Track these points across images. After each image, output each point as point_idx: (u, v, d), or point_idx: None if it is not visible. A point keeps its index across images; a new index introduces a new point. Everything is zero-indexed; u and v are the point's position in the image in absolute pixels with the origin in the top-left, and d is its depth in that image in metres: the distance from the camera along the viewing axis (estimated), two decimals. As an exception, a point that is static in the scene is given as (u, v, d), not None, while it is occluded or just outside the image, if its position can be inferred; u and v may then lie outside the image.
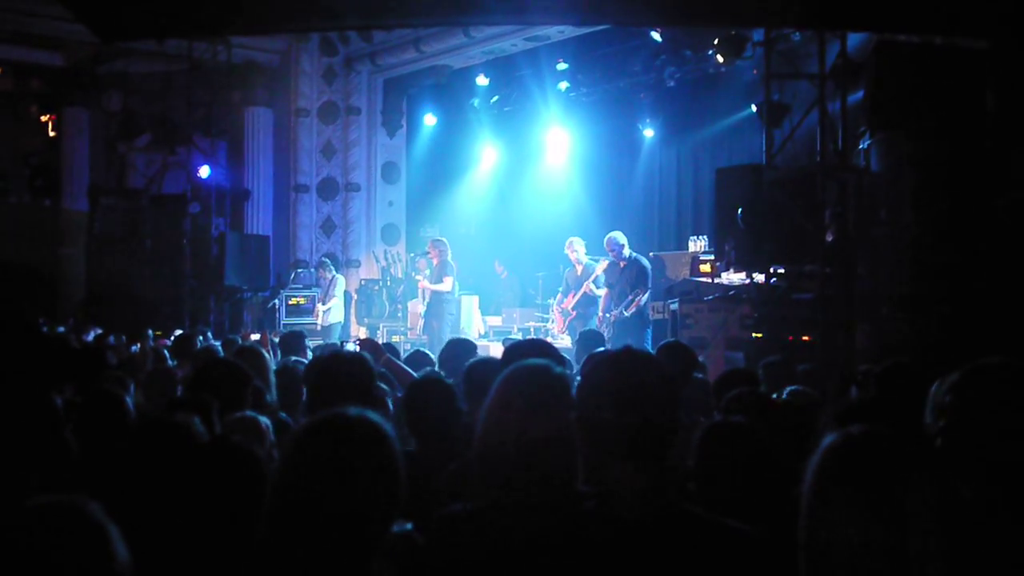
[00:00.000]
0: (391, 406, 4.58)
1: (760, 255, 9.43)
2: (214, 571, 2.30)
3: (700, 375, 5.45)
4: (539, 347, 4.05)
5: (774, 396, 4.60)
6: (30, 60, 15.86)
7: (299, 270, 15.83)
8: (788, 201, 9.17)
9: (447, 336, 12.91)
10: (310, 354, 7.14)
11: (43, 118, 16.95)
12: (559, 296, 12.71)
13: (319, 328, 14.16)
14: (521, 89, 16.17)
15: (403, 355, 6.78)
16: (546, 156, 17.33)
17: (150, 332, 10.35)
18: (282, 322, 14.24)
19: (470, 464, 2.66)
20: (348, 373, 3.71)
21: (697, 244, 13.65)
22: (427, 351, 6.94)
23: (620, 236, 11.61)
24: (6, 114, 16.92)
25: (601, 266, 11.89)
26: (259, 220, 16.11)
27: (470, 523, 2.43)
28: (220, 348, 7.76)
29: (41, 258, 15.58)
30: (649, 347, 9.80)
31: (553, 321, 13.01)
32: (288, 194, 16.37)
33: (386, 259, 16.31)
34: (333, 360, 3.89)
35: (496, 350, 10.65)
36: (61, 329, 10.84)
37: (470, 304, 14.63)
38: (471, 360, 4.69)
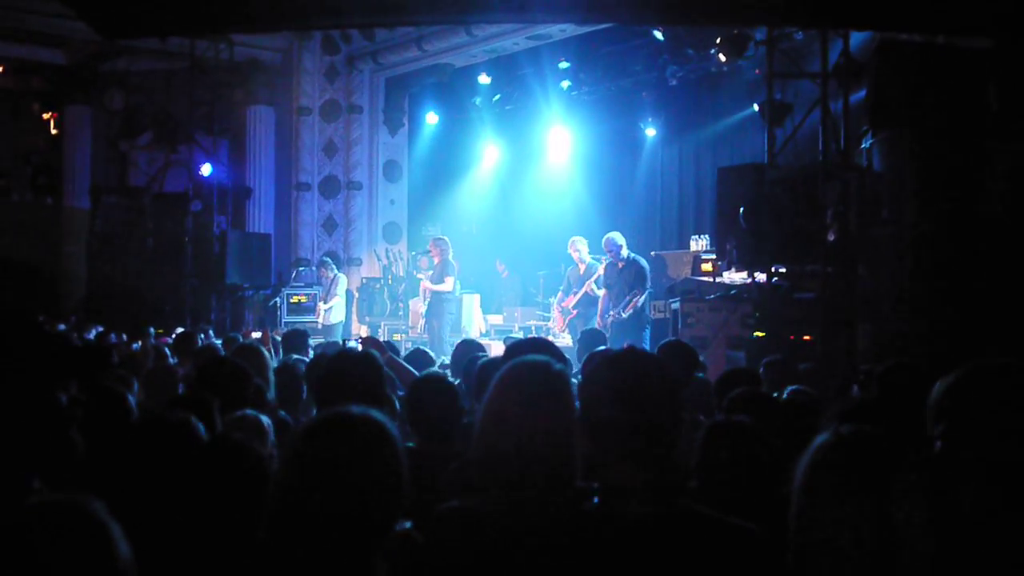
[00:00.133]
0: (397, 405, 4.58)
1: (762, 254, 9.43)
2: (216, 570, 2.30)
3: (701, 375, 5.45)
4: (540, 345, 4.05)
5: (774, 395, 4.59)
6: (32, 58, 15.86)
7: (300, 268, 15.83)
8: (790, 200, 9.16)
9: (447, 335, 12.94)
10: (312, 353, 7.13)
11: (45, 116, 16.95)
12: (560, 295, 12.70)
13: (320, 327, 14.16)
14: (523, 88, 16.17)
15: (403, 354, 6.78)
16: (548, 155, 17.33)
17: (151, 330, 10.36)
18: (283, 320, 14.23)
19: (471, 463, 2.66)
20: (357, 373, 3.70)
21: (698, 243, 13.66)
22: (427, 350, 6.93)
23: (618, 236, 11.59)
24: (8, 112, 16.93)
25: (601, 269, 11.88)
26: (261, 218, 16.11)
27: (467, 520, 2.43)
28: (221, 346, 7.75)
29: (43, 256, 15.59)
30: (647, 347, 9.80)
31: (554, 320, 13.01)
32: (290, 192, 16.37)
33: (388, 257, 16.31)
34: (341, 359, 3.88)
35: (497, 349, 10.65)
36: (62, 327, 10.84)
37: (471, 303, 14.64)
38: (481, 360, 4.69)
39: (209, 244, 14.12)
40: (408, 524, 2.45)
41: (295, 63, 16.28)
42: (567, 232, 13.14)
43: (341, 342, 8.88)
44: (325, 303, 14.59)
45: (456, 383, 4.80)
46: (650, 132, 16.27)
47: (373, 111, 16.76)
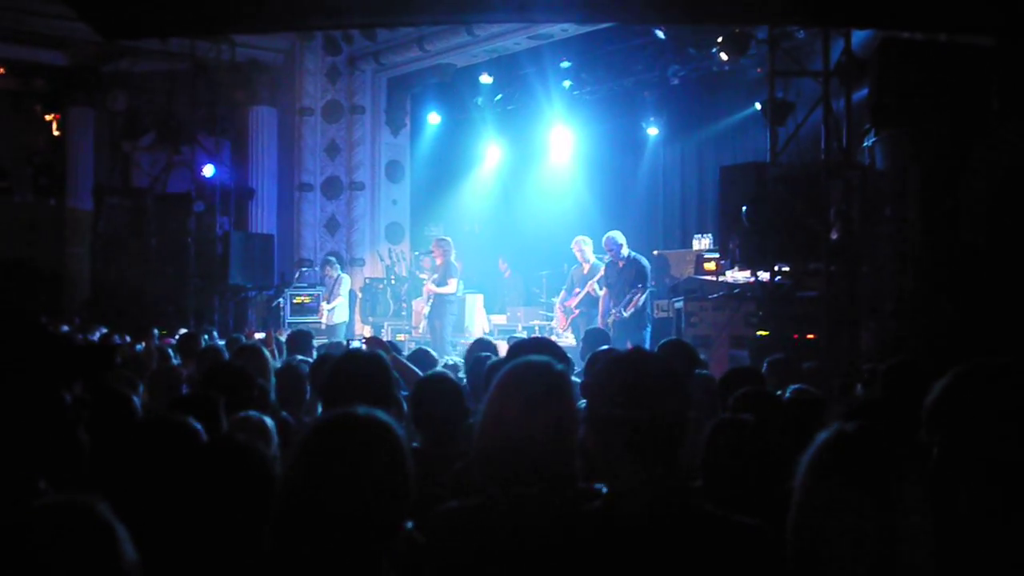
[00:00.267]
0: (404, 406, 4.58)
1: (764, 253, 9.43)
2: (221, 571, 2.30)
3: (706, 372, 5.44)
4: (543, 345, 4.06)
5: (779, 394, 4.59)
6: (34, 59, 15.87)
7: (303, 269, 15.84)
8: (792, 199, 9.16)
9: (449, 335, 12.96)
10: (315, 354, 7.14)
11: (47, 117, 16.95)
12: (563, 294, 12.70)
13: (323, 327, 14.17)
14: (525, 87, 16.17)
15: (406, 354, 6.78)
16: (550, 154, 17.32)
17: (155, 331, 10.37)
18: (287, 321, 14.25)
19: (473, 462, 2.67)
20: (364, 373, 3.70)
21: (701, 242, 13.64)
22: (430, 350, 6.94)
23: (619, 235, 11.58)
24: (10, 113, 16.94)
25: (603, 271, 11.88)
26: (263, 219, 16.12)
27: (467, 520, 2.43)
28: (224, 347, 7.76)
29: (46, 257, 15.60)
30: (648, 346, 9.80)
31: (557, 319, 13.01)
32: (292, 193, 16.38)
33: (390, 258, 16.32)
34: (349, 359, 3.88)
35: (501, 349, 10.67)
36: (65, 328, 10.85)
37: (474, 303, 14.64)
38: (489, 361, 4.69)
39: (212, 245, 14.14)
40: (410, 524, 2.46)
41: (297, 64, 16.28)
42: (569, 232, 13.14)
43: (345, 342, 8.91)
44: (328, 303, 14.60)
45: (462, 383, 4.80)
46: (652, 131, 16.25)
47: (375, 111, 16.77)
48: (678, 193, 16.71)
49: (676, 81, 14.40)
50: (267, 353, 5.91)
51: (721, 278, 11.12)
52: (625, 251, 11.50)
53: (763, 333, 9.36)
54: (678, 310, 10.79)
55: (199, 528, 2.31)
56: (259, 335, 10.48)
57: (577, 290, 12.26)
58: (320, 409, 4.31)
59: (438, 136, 17.65)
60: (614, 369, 2.34)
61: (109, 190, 15.31)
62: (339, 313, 14.66)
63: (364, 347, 5.86)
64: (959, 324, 7.43)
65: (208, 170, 14.26)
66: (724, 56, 12.34)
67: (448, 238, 13.60)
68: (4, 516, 1.61)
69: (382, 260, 16.38)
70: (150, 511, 2.21)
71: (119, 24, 8.58)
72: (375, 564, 2.06)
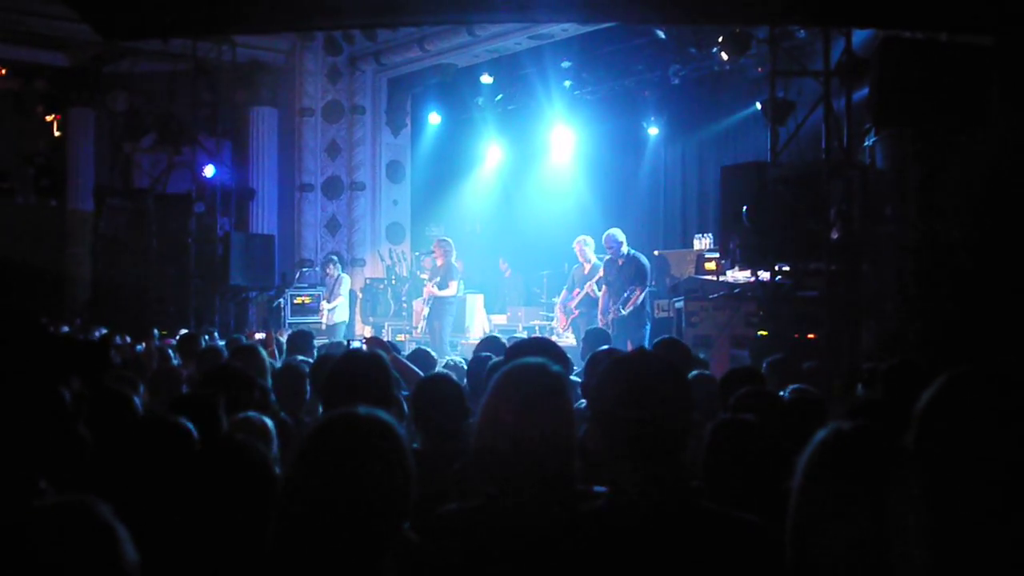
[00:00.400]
0: (404, 406, 4.58)
1: (765, 253, 9.42)
2: (222, 571, 2.29)
3: (706, 372, 5.44)
4: (542, 345, 4.05)
5: (780, 394, 4.59)
6: (35, 60, 15.88)
7: (304, 269, 15.85)
8: (793, 199, 9.16)
9: (448, 335, 12.98)
10: (316, 354, 7.13)
11: (48, 118, 16.97)
12: (564, 293, 12.70)
13: (324, 327, 14.18)
14: (525, 87, 16.17)
15: (405, 354, 6.78)
16: (551, 154, 17.33)
17: (156, 332, 10.37)
18: (287, 321, 14.26)
19: (471, 464, 2.67)
20: (365, 374, 3.70)
21: (702, 242, 13.64)
22: (429, 350, 6.94)
23: (618, 233, 11.59)
24: (11, 114, 16.95)
25: (602, 272, 11.88)
26: (264, 219, 16.12)
27: (467, 522, 2.43)
28: (225, 348, 7.76)
29: (47, 258, 15.60)
30: (647, 345, 9.79)
31: (557, 319, 13.01)
32: (293, 193, 16.39)
33: (391, 258, 16.32)
34: (349, 360, 3.88)
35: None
36: (66, 329, 10.85)
37: (475, 303, 14.65)
38: (491, 361, 4.69)
39: (213, 245, 14.13)
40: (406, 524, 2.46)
41: (297, 64, 16.29)
42: (570, 231, 13.14)
43: (345, 343, 8.91)
44: (328, 302, 14.61)
45: (462, 383, 4.80)
46: (653, 131, 16.26)
47: (376, 112, 16.77)
48: (679, 193, 16.71)
49: (677, 81, 14.40)
50: (264, 353, 5.91)
51: (722, 278, 11.12)
52: (625, 249, 11.50)
53: (764, 333, 9.36)
54: (678, 310, 10.78)
55: (198, 528, 2.31)
56: (260, 335, 10.48)
57: (577, 290, 12.26)
58: (320, 409, 4.30)
59: (439, 136, 17.66)
60: (617, 370, 2.35)
61: (110, 191, 15.31)
62: (339, 313, 14.67)
63: (364, 347, 5.86)
64: (960, 323, 7.43)
65: (209, 171, 14.26)
66: (725, 56, 12.34)
67: (449, 239, 13.59)
68: (5, 517, 1.61)
69: (383, 260, 16.39)
70: (147, 511, 2.21)
71: (120, 25, 8.59)
72: (376, 564, 2.06)
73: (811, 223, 9.05)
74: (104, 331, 10.76)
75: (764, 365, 6.01)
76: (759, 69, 12.54)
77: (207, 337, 9.40)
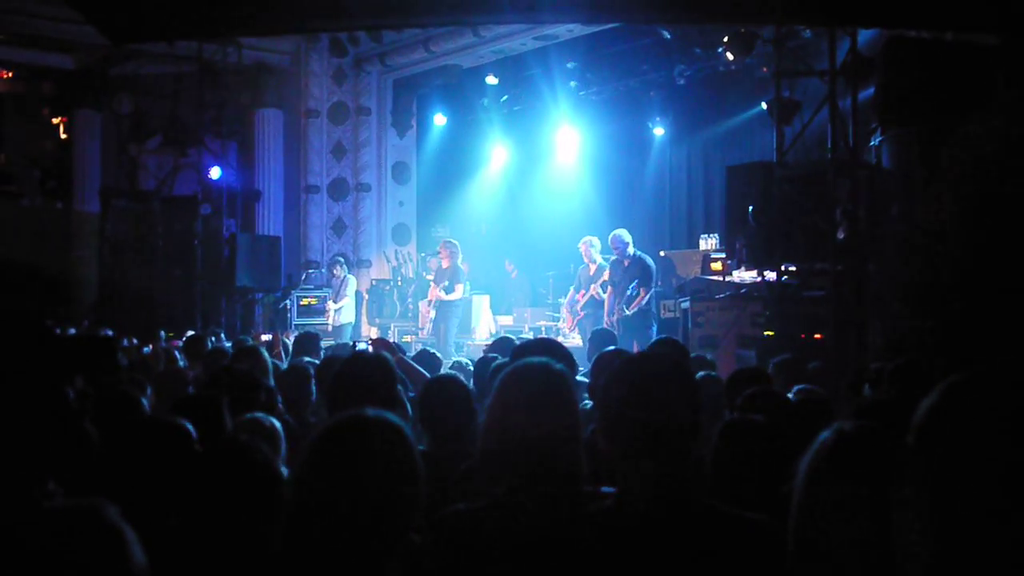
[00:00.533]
0: (409, 408, 4.58)
1: (771, 253, 9.41)
2: (229, 572, 2.29)
3: (713, 373, 5.43)
4: (547, 346, 4.05)
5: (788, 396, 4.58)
6: (41, 63, 15.92)
7: (310, 271, 15.86)
8: (799, 198, 9.15)
9: (452, 337, 12.98)
10: (323, 355, 7.14)
11: (54, 120, 16.99)
12: (571, 293, 12.70)
13: (330, 328, 14.19)
14: (531, 88, 16.17)
15: (410, 355, 6.78)
16: (556, 155, 17.33)
17: (162, 333, 10.39)
18: (294, 323, 14.27)
19: (477, 465, 2.67)
20: (370, 375, 3.70)
21: (708, 242, 13.63)
22: (434, 351, 6.95)
23: (625, 234, 11.59)
24: (18, 117, 16.99)
25: (607, 275, 11.88)
26: (270, 221, 16.14)
27: (475, 522, 2.43)
28: (231, 349, 7.77)
29: (53, 260, 15.63)
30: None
31: (564, 320, 13.01)
32: (299, 195, 16.40)
33: (397, 259, 16.33)
34: (354, 361, 3.88)
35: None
36: (72, 331, 10.87)
37: (481, 304, 14.65)
38: (495, 362, 4.68)
39: (219, 247, 14.14)
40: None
41: (303, 66, 16.30)
42: (576, 232, 13.14)
43: (351, 344, 8.92)
44: (335, 303, 14.63)
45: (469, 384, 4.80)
46: (658, 131, 16.26)
47: (381, 113, 16.79)
48: (684, 193, 16.71)
49: (682, 81, 14.39)
50: (266, 354, 5.92)
51: (728, 278, 11.11)
52: (631, 250, 11.51)
53: (770, 333, 9.35)
54: (684, 310, 10.78)
55: (201, 529, 2.30)
56: (266, 337, 10.49)
57: (583, 291, 12.26)
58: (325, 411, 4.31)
59: (444, 137, 17.66)
60: (625, 371, 2.37)
61: (116, 193, 15.31)
62: (345, 314, 14.68)
63: (370, 349, 5.86)
64: (967, 323, 7.41)
65: (214, 172, 14.28)
66: (730, 56, 12.32)
67: (455, 241, 13.57)
68: (13, 519, 1.61)
69: (389, 261, 16.39)
70: (150, 512, 2.21)
71: (126, 27, 8.61)
72: (384, 566, 2.06)
73: (817, 223, 9.03)
74: (110, 333, 10.79)
75: (771, 365, 6.01)
76: (764, 69, 12.53)
77: (213, 339, 9.41)
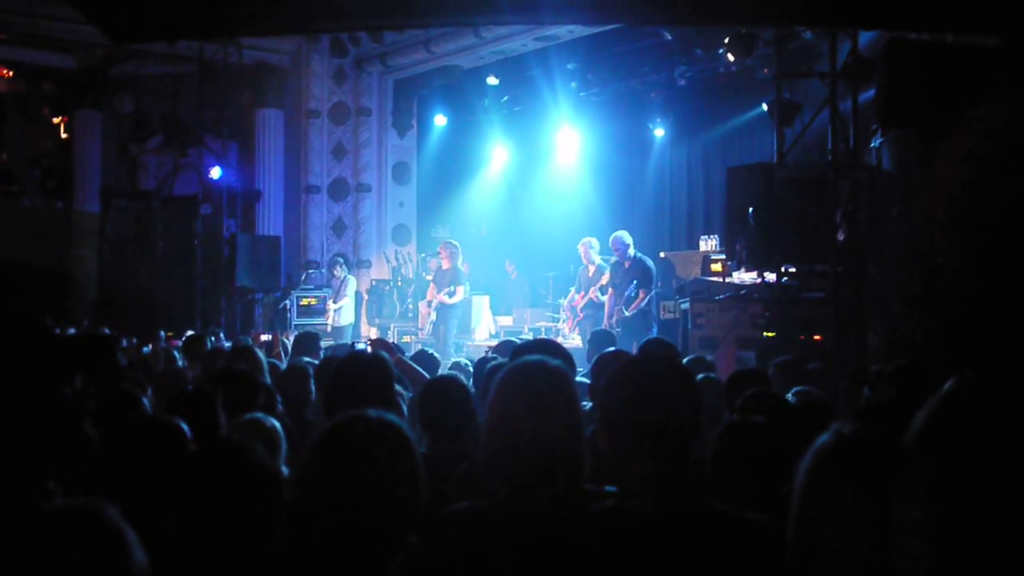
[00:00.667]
0: (404, 408, 4.58)
1: (771, 254, 9.41)
2: (227, 572, 2.28)
3: (713, 375, 5.43)
4: (545, 346, 4.05)
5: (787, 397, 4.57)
6: (42, 62, 15.92)
7: (310, 271, 15.86)
8: (799, 200, 9.15)
9: (452, 338, 12.98)
10: (322, 355, 7.14)
11: (55, 120, 17.00)
12: (572, 293, 12.71)
13: (330, 329, 14.19)
14: (531, 89, 16.17)
15: (409, 355, 6.78)
16: (556, 156, 17.33)
17: (162, 333, 10.38)
18: (293, 323, 14.27)
19: (479, 464, 2.67)
20: (366, 375, 3.70)
21: (708, 243, 13.63)
22: (432, 351, 6.95)
23: (626, 236, 11.61)
24: (18, 116, 16.98)
25: (606, 277, 11.89)
26: (270, 221, 16.14)
27: (480, 520, 2.44)
28: (230, 349, 7.77)
29: (53, 260, 15.63)
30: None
31: (564, 320, 13.02)
32: (299, 195, 16.40)
33: (397, 260, 16.33)
34: (351, 361, 3.88)
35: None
36: (72, 331, 10.87)
37: (481, 304, 14.65)
38: (492, 363, 4.68)
39: (219, 247, 14.15)
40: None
41: (304, 66, 16.31)
42: (576, 233, 13.14)
43: (351, 344, 8.93)
44: (335, 303, 14.63)
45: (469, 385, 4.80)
46: (659, 132, 16.26)
47: (382, 113, 16.79)
48: (685, 194, 16.71)
49: (683, 82, 14.40)
50: (260, 354, 5.92)
51: (728, 279, 11.11)
52: (631, 251, 11.52)
53: (769, 334, 9.35)
54: (684, 311, 10.77)
55: (198, 529, 2.29)
56: (266, 337, 10.49)
57: (583, 293, 12.27)
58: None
59: (444, 138, 17.67)
60: (626, 372, 2.38)
61: (116, 193, 15.32)
62: (345, 314, 14.68)
63: (369, 349, 5.86)
64: (966, 325, 7.41)
65: (215, 172, 14.28)
66: (731, 57, 12.33)
67: (455, 242, 13.56)
68: (13, 520, 1.61)
69: (389, 262, 16.39)
70: (147, 511, 2.21)
71: (127, 27, 8.60)
72: (384, 567, 2.05)
73: (817, 224, 9.03)
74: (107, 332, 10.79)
75: (772, 366, 6.00)
76: (765, 70, 12.53)
77: (213, 339, 9.41)
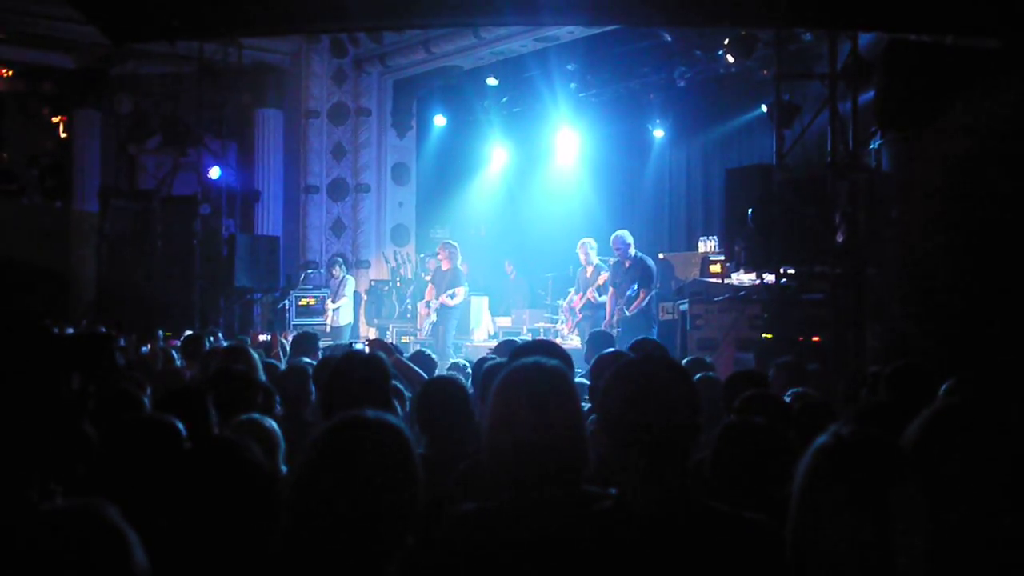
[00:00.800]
0: (400, 408, 4.58)
1: (770, 255, 9.42)
2: (223, 572, 2.28)
3: (712, 374, 5.43)
4: (544, 347, 4.05)
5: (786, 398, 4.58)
6: (41, 62, 15.91)
7: (309, 271, 15.85)
8: (798, 201, 9.15)
9: (451, 338, 12.98)
10: (321, 355, 7.14)
11: (54, 120, 16.98)
12: (570, 295, 12.71)
13: (329, 329, 14.18)
14: (531, 90, 16.17)
15: (407, 355, 6.78)
16: (556, 157, 17.34)
17: (160, 333, 10.37)
18: (292, 323, 14.26)
19: (479, 465, 2.67)
20: (363, 375, 3.70)
21: (707, 245, 13.64)
22: (430, 351, 6.95)
23: (627, 235, 11.62)
24: (18, 116, 16.97)
25: (603, 277, 11.89)
26: (269, 221, 16.14)
27: (484, 521, 2.44)
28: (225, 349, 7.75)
29: (52, 259, 15.61)
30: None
31: (563, 322, 13.02)
32: (298, 195, 16.39)
33: (396, 260, 16.32)
34: (348, 361, 3.88)
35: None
36: (71, 331, 10.86)
37: (480, 305, 14.64)
38: (489, 364, 4.67)
39: (218, 247, 14.14)
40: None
41: (303, 66, 16.30)
42: (575, 234, 13.14)
43: (349, 345, 8.92)
44: (333, 303, 14.63)
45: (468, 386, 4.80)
46: (658, 133, 16.27)
47: (381, 114, 16.78)
48: (684, 195, 16.71)
49: (682, 83, 14.40)
50: (254, 353, 5.91)
51: (727, 280, 11.11)
52: (632, 251, 11.53)
53: (768, 336, 9.35)
54: (683, 312, 10.77)
55: (193, 528, 2.28)
56: (264, 337, 10.49)
57: (581, 294, 12.28)
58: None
59: (444, 138, 17.67)
60: (625, 373, 2.38)
61: (115, 192, 15.30)
62: (344, 315, 14.68)
63: (366, 349, 5.86)
64: (965, 326, 7.41)
65: (214, 172, 14.28)
66: (730, 58, 12.34)
67: (454, 242, 13.55)
68: (13, 520, 1.61)
69: (387, 262, 16.39)
70: (142, 510, 2.20)
71: (127, 27, 8.61)
72: (382, 568, 2.05)
73: (816, 226, 9.04)
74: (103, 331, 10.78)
75: (772, 367, 6.00)
76: (765, 72, 12.53)
77: (211, 338, 9.40)
